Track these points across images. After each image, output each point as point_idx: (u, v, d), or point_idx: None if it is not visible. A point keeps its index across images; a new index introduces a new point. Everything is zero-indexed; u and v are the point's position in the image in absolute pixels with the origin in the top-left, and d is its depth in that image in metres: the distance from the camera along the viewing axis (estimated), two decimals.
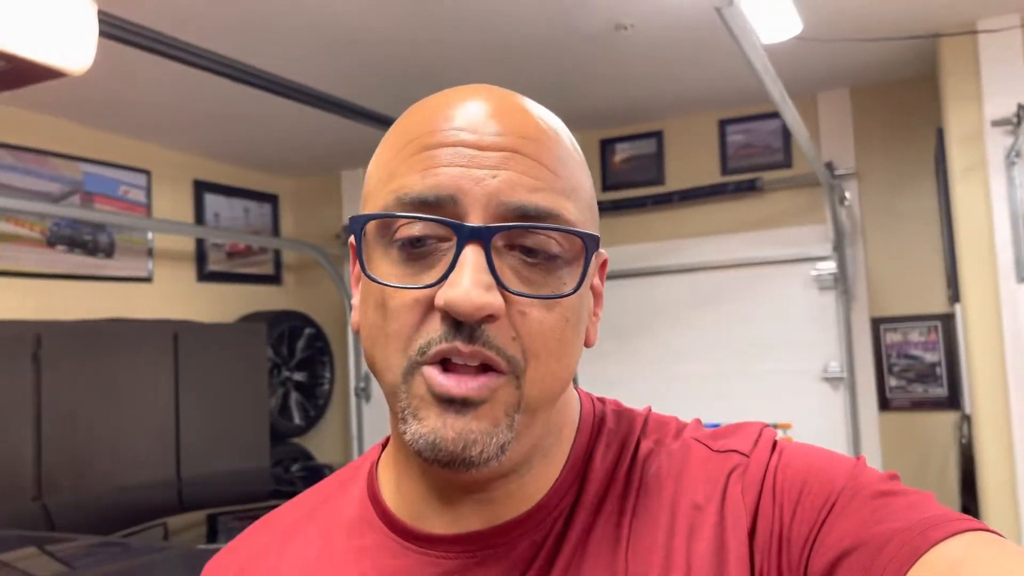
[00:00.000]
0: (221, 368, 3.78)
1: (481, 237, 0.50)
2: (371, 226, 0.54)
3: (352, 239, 0.55)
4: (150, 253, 4.03)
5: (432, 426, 0.51)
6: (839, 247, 3.62)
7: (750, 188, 3.81)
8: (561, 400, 0.59)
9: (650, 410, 0.67)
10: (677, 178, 4.05)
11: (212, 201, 4.43)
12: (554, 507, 0.58)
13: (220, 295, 4.41)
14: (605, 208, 4.14)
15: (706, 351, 3.90)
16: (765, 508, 0.55)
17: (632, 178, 4.15)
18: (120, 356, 3.34)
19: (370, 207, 0.56)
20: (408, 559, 0.58)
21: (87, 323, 3.39)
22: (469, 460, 0.51)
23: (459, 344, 0.50)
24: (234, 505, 2.91)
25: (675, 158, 4.08)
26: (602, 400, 0.67)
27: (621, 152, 4.19)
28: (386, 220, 0.53)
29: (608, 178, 4.21)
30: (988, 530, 0.50)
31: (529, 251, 0.52)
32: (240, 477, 3.54)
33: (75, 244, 3.68)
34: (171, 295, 4.10)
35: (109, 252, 3.83)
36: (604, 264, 0.63)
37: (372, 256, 0.55)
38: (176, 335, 3.55)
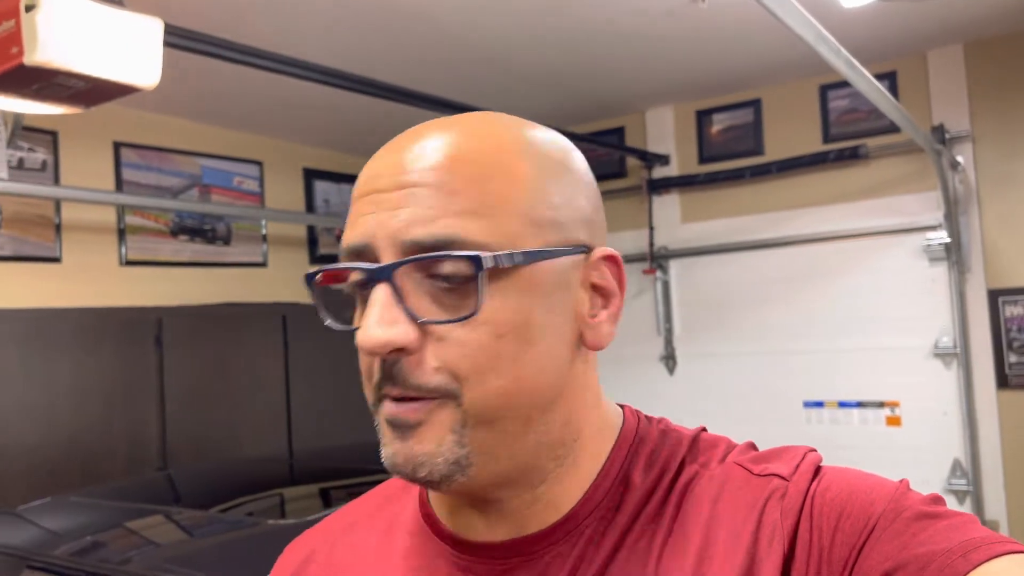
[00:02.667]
0: (328, 347, 3.99)
1: (383, 275, 0.53)
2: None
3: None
4: (264, 239, 4.29)
5: (390, 451, 0.55)
6: (951, 215, 3.40)
7: (853, 156, 3.62)
8: (565, 413, 0.59)
9: (702, 430, 0.67)
10: (776, 148, 3.91)
11: (321, 187, 4.65)
12: (583, 519, 0.59)
13: None
14: (701, 181, 4.05)
15: (808, 328, 3.77)
16: (803, 533, 0.54)
17: (729, 149, 4.04)
18: (234, 337, 3.60)
19: None
20: (444, 562, 0.61)
21: (203, 307, 3.67)
22: (424, 480, 0.54)
23: (388, 387, 0.54)
24: (344, 479, 3.09)
25: (774, 127, 3.93)
26: (649, 419, 0.67)
27: (718, 123, 4.08)
28: (325, 271, 0.58)
29: (704, 150, 4.12)
30: None
31: (445, 277, 0.53)
32: (349, 451, 3.74)
33: (196, 233, 3.97)
34: (285, 278, 4.35)
35: (227, 240, 4.10)
36: (611, 259, 0.61)
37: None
38: (285, 317, 3.77)
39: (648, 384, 4.18)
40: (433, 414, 0.53)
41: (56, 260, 3.42)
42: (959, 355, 3.43)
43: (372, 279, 0.54)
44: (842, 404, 3.70)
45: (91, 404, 3.23)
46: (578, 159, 0.63)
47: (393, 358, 0.53)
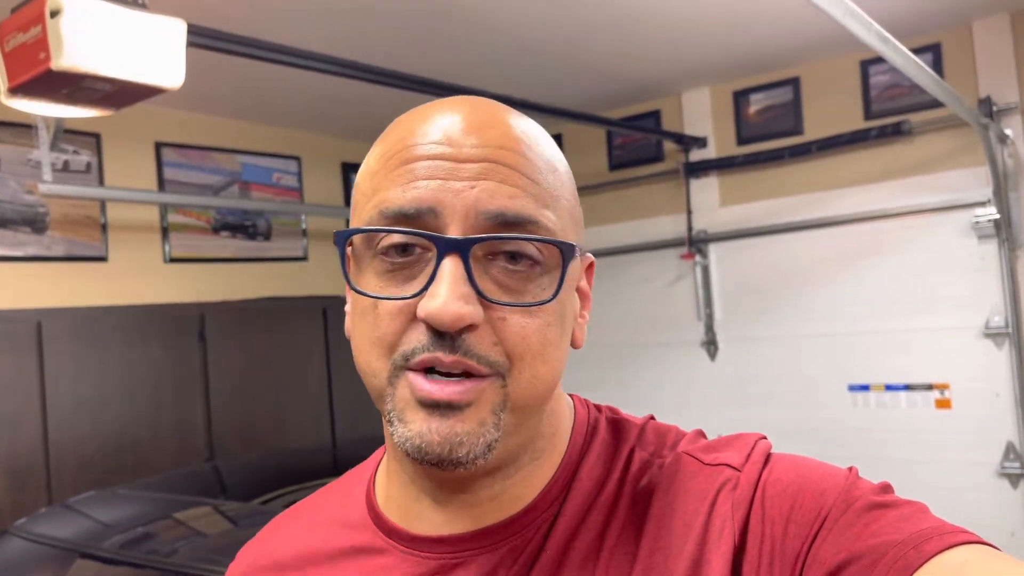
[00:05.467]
0: None
1: (459, 249, 0.51)
2: (358, 238, 0.56)
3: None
4: (304, 233, 4.35)
5: (418, 429, 0.52)
6: (1000, 191, 3.29)
7: (896, 132, 3.52)
8: (552, 405, 0.60)
9: (650, 419, 0.66)
10: (816, 127, 3.82)
11: None
12: (540, 513, 0.59)
13: None
14: (739, 163, 3.99)
15: (853, 310, 3.69)
16: (755, 524, 0.54)
17: (768, 129, 3.96)
18: (276, 331, 3.66)
19: (356, 220, 0.58)
20: (392, 558, 0.61)
21: (245, 302, 3.73)
22: (456, 460, 0.52)
23: (440, 355, 0.52)
24: None
25: (813, 105, 3.84)
26: (598, 408, 0.67)
27: (755, 103, 4.00)
28: (371, 232, 0.55)
29: (742, 131, 4.04)
30: (984, 543, 0.50)
31: (511, 257, 0.53)
32: None
33: (237, 230, 4.04)
34: (325, 272, 4.41)
35: (267, 235, 4.17)
36: (591, 266, 0.64)
37: (360, 266, 0.57)
38: (325, 310, 3.83)
39: (689, 371, 4.14)
40: (481, 395, 0.53)
41: (103, 259, 3.51)
42: (1011, 334, 3.32)
43: (444, 250, 0.52)
44: (889, 387, 3.61)
45: (139, 398, 3.32)
46: None
47: (456, 334, 0.52)
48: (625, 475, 0.60)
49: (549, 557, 0.57)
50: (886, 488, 0.55)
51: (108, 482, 3.03)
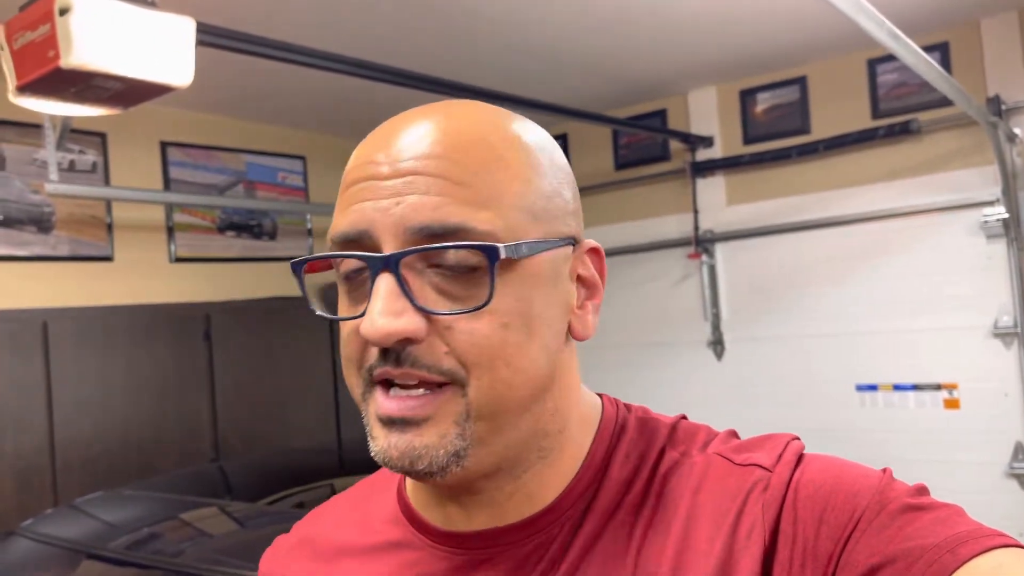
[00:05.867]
0: None
1: (389, 265, 0.52)
2: (323, 263, 0.58)
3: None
4: (310, 233, 4.34)
5: (381, 445, 0.54)
6: (1009, 190, 3.27)
7: (904, 131, 3.51)
8: (554, 404, 0.59)
9: (681, 418, 0.66)
10: (823, 126, 3.81)
11: None
12: (566, 511, 0.59)
13: None
14: (746, 162, 3.97)
15: (861, 309, 3.68)
16: (786, 526, 0.54)
17: (775, 128, 3.95)
18: (282, 331, 3.65)
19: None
20: (424, 553, 0.62)
21: (251, 302, 3.73)
22: (420, 472, 0.53)
23: (389, 368, 0.53)
24: None
25: (820, 104, 3.83)
26: (628, 407, 0.67)
27: (762, 102, 3.99)
28: (313, 260, 0.58)
29: (749, 130, 4.03)
30: (1021, 546, 0.49)
31: (449, 266, 0.53)
32: None
33: (242, 229, 4.03)
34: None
35: (272, 235, 4.16)
36: (595, 252, 0.62)
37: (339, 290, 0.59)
38: None
39: (695, 370, 4.12)
40: (439, 408, 0.53)
41: (108, 259, 3.50)
42: (1020, 334, 3.31)
43: (375, 268, 0.53)
44: (897, 387, 3.60)
45: (144, 398, 3.31)
46: (559, 151, 0.63)
47: (399, 348, 0.52)
48: (654, 474, 0.60)
49: (577, 554, 0.57)
50: (921, 490, 0.54)
51: (113, 482, 3.02)
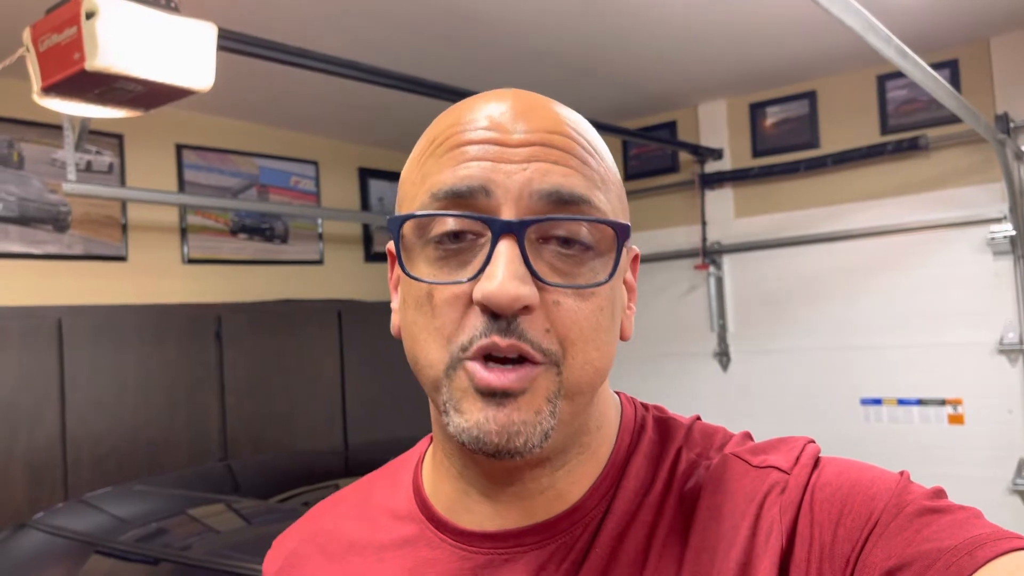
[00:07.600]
0: (383, 343, 4.07)
1: (514, 231, 0.51)
2: (409, 228, 0.55)
3: (390, 244, 0.57)
4: (320, 237, 4.39)
5: (475, 419, 0.52)
6: (1016, 207, 3.29)
7: (913, 147, 3.53)
8: (600, 398, 0.60)
9: (697, 419, 0.66)
10: (832, 140, 3.83)
11: (376, 186, 4.73)
12: (588, 511, 0.58)
13: (385, 274, 4.69)
14: (755, 175, 4.00)
15: (867, 324, 3.69)
16: (803, 529, 0.53)
17: (784, 142, 3.97)
18: (291, 333, 3.69)
19: (405, 210, 0.57)
20: (442, 551, 0.60)
21: (261, 304, 3.77)
22: (514, 450, 0.52)
23: (496, 339, 0.51)
24: None
25: (830, 119, 3.86)
26: (645, 406, 0.66)
27: (772, 116, 4.02)
28: (422, 220, 0.54)
29: (758, 144, 4.06)
30: None
31: (564, 242, 0.53)
32: (402, 444, 3.81)
33: (254, 232, 4.08)
34: (340, 275, 4.44)
35: (284, 238, 4.21)
36: (636, 258, 0.63)
37: (411, 257, 0.56)
38: (340, 313, 3.85)
39: (701, 381, 4.14)
40: (535, 382, 0.52)
41: (122, 259, 3.55)
42: None
43: (498, 232, 0.51)
44: (902, 402, 3.61)
45: (155, 397, 3.35)
46: None
47: (513, 316, 0.51)
48: (672, 476, 0.60)
49: (598, 556, 0.57)
50: (939, 493, 0.54)
51: (123, 479, 3.06)
